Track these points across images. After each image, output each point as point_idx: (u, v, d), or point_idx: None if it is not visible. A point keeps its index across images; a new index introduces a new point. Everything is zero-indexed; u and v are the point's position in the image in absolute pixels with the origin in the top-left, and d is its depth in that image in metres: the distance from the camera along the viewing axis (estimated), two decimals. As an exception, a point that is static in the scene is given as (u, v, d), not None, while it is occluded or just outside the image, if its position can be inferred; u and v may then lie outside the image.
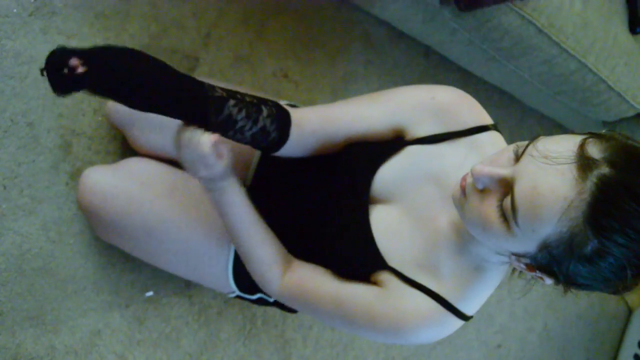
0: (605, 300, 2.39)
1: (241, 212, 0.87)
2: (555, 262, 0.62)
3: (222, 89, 0.82)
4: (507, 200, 0.63)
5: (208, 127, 0.78)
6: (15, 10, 1.18)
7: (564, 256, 0.61)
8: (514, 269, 0.83)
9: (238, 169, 1.10)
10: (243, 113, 0.81)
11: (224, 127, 0.80)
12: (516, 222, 0.62)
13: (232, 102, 0.80)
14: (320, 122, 0.90)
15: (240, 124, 0.82)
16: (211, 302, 1.43)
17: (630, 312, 2.46)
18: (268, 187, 1.07)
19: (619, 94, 1.56)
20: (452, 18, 1.37)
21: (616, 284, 0.61)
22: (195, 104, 0.76)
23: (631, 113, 1.66)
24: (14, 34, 1.18)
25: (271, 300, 1.09)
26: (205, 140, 0.76)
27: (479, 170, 0.65)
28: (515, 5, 1.28)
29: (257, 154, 1.11)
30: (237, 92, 0.84)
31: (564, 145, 0.60)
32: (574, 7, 1.35)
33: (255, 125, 0.83)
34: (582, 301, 2.32)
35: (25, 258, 1.19)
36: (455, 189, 0.72)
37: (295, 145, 0.89)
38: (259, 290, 1.07)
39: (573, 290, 0.70)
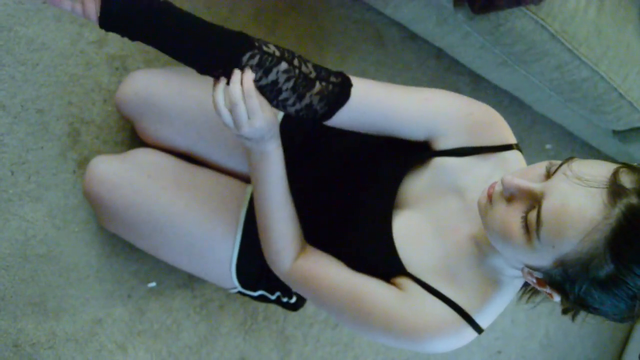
0: (608, 310, 2.38)
1: (276, 182, 0.86)
2: (568, 281, 0.63)
3: (284, 50, 0.79)
4: (533, 213, 0.63)
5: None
6: (29, -3, 1.18)
7: (578, 276, 0.62)
8: (523, 288, 0.85)
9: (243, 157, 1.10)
10: (291, 83, 0.78)
11: (265, 92, 0.78)
12: (538, 236, 0.62)
13: (284, 65, 0.77)
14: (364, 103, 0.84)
15: (284, 95, 0.78)
16: (213, 296, 1.43)
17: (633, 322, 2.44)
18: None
19: (630, 103, 1.54)
20: (465, 20, 1.36)
21: (624, 312, 0.63)
22: (233, 45, 0.76)
23: (642, 123, 1.65)
24: (28, 20, 1.18)
25: (272, 297, 1.08)
26: (237, 87, 0.75)
27: (509, 180, 0.66)
28: (529, 9, 1.27)
29: None
30: (299, 57, 0.79)
31: (598, 170, 0.61)
32: (588, 14, 1.34)
33: (300, 102, 0.79)
34: (585, 310, 2.31)
35: (29, 244, 1.20)
36: (481, 196, 0.73)
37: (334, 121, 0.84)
38: (261, 287, 1.06)
39: (580, 314, 0.72)
